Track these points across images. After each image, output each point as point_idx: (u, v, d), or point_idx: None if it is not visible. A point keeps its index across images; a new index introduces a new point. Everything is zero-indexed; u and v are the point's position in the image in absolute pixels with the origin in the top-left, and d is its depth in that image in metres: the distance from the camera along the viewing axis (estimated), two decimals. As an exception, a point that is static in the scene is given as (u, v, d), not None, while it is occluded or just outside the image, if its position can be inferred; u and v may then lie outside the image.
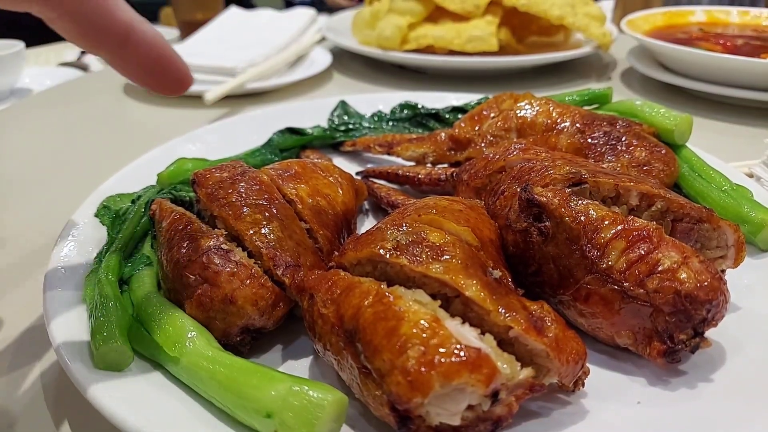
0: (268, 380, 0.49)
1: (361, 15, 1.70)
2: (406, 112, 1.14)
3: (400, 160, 1.00)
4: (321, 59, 1.64)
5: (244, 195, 0.66)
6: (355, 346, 0.48)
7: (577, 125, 0.82)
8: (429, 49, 1.55)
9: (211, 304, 0.58)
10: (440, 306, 0.49)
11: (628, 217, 0.56)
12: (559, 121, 0.84)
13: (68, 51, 2.30)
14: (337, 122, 1.12)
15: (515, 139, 0.86)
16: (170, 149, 0.97)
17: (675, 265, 0.53)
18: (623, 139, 0.79)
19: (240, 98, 1.44)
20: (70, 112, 1.43)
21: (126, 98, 1.51)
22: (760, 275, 0.69)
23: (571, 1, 1.55)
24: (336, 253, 0.61)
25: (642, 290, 0.53)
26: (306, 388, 0.47)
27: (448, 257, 0.52)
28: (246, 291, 0.58)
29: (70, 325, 0.58)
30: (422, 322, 0.45)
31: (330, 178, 0.76)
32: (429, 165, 0.94)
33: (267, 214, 0.64)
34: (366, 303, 0.48)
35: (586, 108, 0.93)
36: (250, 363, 0.52)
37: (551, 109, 0.86)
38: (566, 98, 0.98)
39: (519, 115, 0.88)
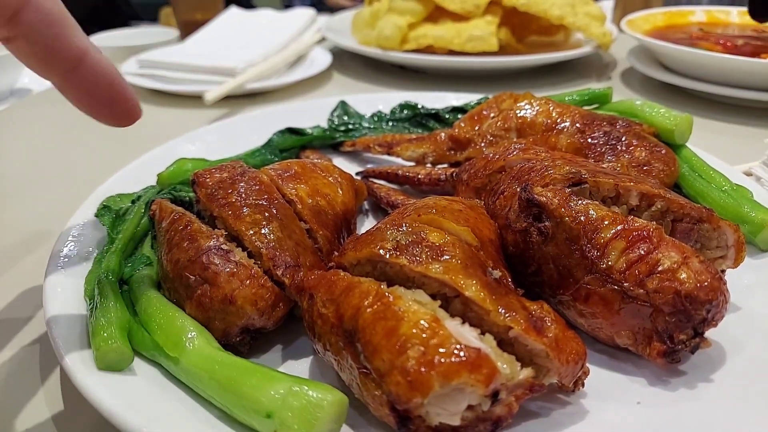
0: (267, 380, 0.49)
1: (361, 15, 1.70)
2: (405, 112, 1.14)
3: (400, 160, 1.00)
4: (321, 59, 1.64)
5: (243, 195, 0.66)
6: (355, 346, 0.48)
7: (577, 125, 0.82)
8: (429, 49, 1.55)
9: (211, 305, 0.58)
10: (440, 306, 0.49)
11: (628, 217, 0.56)
12: (559, 121, 0.84)
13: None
14: (336, 122, 1.12)
15: (515, 139, 0.86)
16: (170, 149, 0.97)
17: (675, 265, 0.53)
18: (623, 139, 0.79)
19: (240, 98, 1.44)
20: (70, 112, 1.42)
21: (126, 98, 1.50)
22: (760, 275, 0.69)
23: (571, 0, 1.55)
24: (336, 253, 0.61)
25: (642, 290, 0.53)
26: (306, 388, 0.47)
27: (447, 257, 0.52)
28: (246, 291, 0.58)
29: (70, 325, 0.58)
30: (422, 322, 0.45)
31: (330, 178, 0.76)
32: (429, 165, 0.94)
33: (267, 214, 0.64)
34: (366, 303, 0.48)
35: (586, 108, 0.93)
36: (250, 363, 0.52)
37: (551, 108, 0.86)
38: (566, 98, 0.98)
39: (519, 115, 0.88)
